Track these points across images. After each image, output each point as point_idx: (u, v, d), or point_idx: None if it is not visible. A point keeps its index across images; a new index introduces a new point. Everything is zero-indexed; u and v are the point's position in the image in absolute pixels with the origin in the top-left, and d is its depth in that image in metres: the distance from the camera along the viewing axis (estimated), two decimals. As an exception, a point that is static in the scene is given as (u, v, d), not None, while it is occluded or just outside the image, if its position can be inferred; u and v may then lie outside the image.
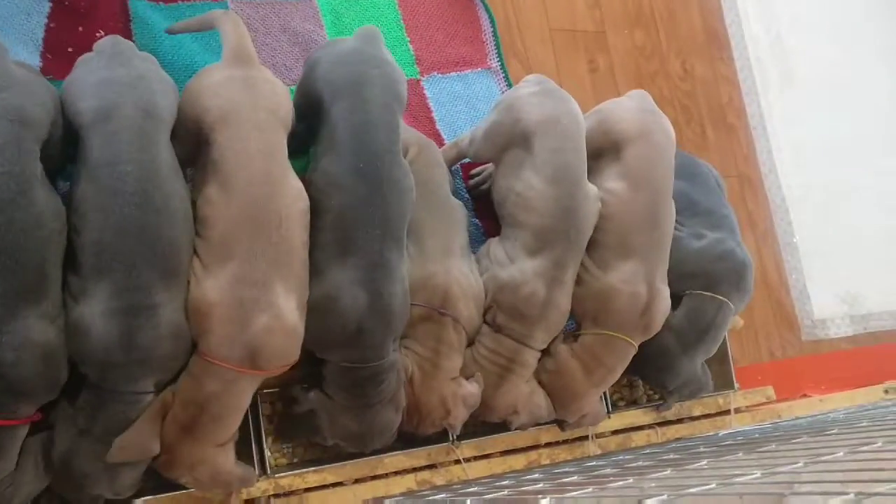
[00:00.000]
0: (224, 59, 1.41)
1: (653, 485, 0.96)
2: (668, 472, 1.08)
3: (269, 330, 1.29)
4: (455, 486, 1.55)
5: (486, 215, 1.84)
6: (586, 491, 1.01)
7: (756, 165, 2.38)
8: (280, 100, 1.41)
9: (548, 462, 1.74)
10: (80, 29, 1.59)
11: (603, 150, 1.71)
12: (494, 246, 1.66)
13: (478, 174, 1.87)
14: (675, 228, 1.75)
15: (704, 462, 1.11)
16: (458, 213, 1.67)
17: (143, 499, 1.38)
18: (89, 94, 1.28)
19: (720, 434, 1.85)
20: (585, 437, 1.81)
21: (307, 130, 1.51)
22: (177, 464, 1.33)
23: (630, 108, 1.76)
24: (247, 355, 1.28)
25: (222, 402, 1.30)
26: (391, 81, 1.47)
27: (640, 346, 1.70)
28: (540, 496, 1.02)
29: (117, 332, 1.21)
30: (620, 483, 1.01)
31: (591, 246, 1.66)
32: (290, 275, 1.33)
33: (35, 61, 1.54)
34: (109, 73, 1.30)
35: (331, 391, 1.45)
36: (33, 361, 1.17)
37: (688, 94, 2.31)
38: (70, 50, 1.57)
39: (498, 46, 2.03)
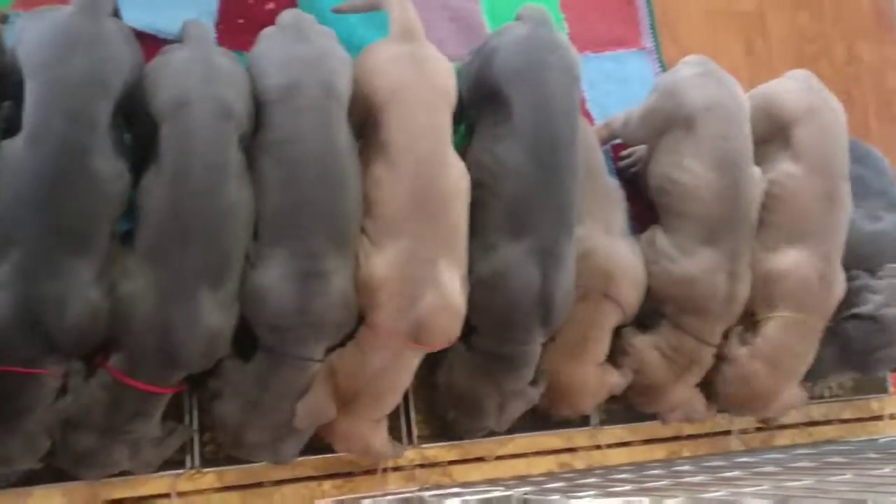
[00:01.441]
0: (391, 36, 1.42)
1: (843, 489, 0.92)
2: (847, 475, 1.04)
3: (436, 307, 1.31)
4: (599, 471, 1.54)
5: (634, 198, 1.79)
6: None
7: (922, 159, 2.23)
8: (447, 78, 1.41)
9: (689, 454, 1.70)
10: (251, 1, 1.63)
11: (769, 135, 1.65)
12: (658, 236, 1.61)
13: (628, 155, 1.83)
14: None
15: (887, 469, 1.05)
16: (617, 194, 1.64)
17: (307, 456, 1.42)
18: (274, 71, 1.32)
19: (880, 440, 1.75)
20: (727, 432, 1.76)
21: (465, 113, 1.51)
22: (333, 434, 1.39)
23: (795, 88, 1.68)
24: (413, 330, 1.31)
25: (387, 377, 1.34)
26: (569, 65, 1.45)
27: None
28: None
29: (293, 295, 1.25)
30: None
31: (758, 228, 1.60)
32: (454, 253, 1.35)
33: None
34: (293, 50, 1.33)
35: (472, 350, 1.45)
36: (200, 343, 1.23)
37: (852, 79, 2.18)
38: (241, 21, 1.62)
39: (653, 26, 1.98)
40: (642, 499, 0.99)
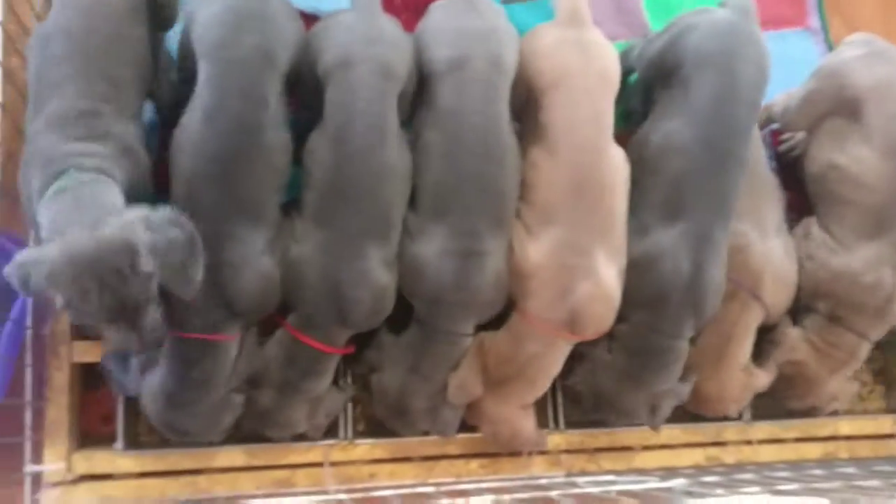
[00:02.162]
0: (558, 19, 1.40)
1: None
2: None
3: (591, 297, 1.29)
4: (750, 467, 1.48)
5: (791, 185, 1.71)
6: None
7: None
8: (611, 64, 1.38)
9: (846, 456, 1.61)
10: (409, -19, 1.65)
11: None
12: (814, 228, 1.54)
13: (789, 139, 1.74)
14: None
15: None
16: (774, 189, 1.56)
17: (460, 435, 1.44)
18: (444, 43, 1.32)
19: None
20: (891, 436, 1.65)
21: (626, 93, 1.48)
22: (480, 417, 1.40)
23: None
24: (567, 320, 1.30)
25: (538, 364, 1.34)
26: (763, 61, 1.39)
27: None
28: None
29: (451, 272, 1.27)
30: None
31: None
32: (612, 242, 1.33)
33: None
34: (464, 24, 1.33)
35: (615, 350, 1.42)
36: (369, 300, 1.27)
37: None
38: (397, 1, 1.64)
39: (820, 3, 1.87)
40: (821, 499, 0.94)
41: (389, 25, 1.33)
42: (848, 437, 1.63)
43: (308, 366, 1.30)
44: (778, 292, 1.48)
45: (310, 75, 1.30)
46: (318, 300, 1.25)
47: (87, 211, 1.01)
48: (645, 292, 1.36)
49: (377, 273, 1.26)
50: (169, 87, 1.37)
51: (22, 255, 1.00)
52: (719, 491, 1.09)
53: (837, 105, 1.52)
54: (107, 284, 0.98)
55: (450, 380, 1.34)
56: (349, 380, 1.45)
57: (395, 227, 1.30)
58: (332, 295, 1.24)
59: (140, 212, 1.03)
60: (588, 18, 1.40)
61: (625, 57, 1.54)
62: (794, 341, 1.52)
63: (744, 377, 1.49)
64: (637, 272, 1.35)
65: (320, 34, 1.32)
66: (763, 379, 1.50)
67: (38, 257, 0.98)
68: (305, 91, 1.32)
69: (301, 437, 1.41)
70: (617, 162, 1.34)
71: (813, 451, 1.60)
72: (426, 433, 1.43)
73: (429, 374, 1.33)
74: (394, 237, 1.29)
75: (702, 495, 1.09)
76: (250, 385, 1.32)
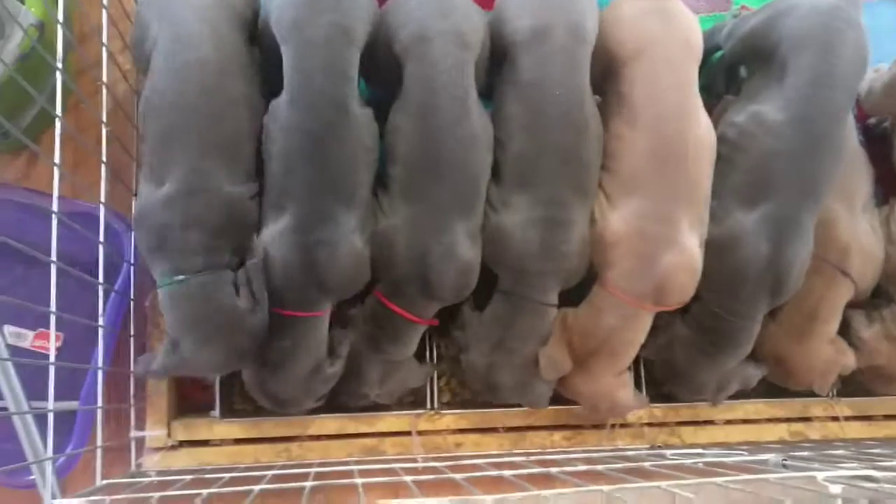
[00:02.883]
0: None
1: None
2: None
3: (675, 267, 1.28)
4: (838, 443, 1.47)
5: (878, 160, 1.67)
6: None
7: None
8: (694, 32, 1.36)
9: (937, 434, 1.58)
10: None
11: None
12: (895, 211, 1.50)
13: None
14: None
15: None
16: (863, 164, 1.52)
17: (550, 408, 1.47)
18: (525, 14, 1.31)
19: None
20: None
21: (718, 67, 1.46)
22: (578, 396, 1.42)
23: None
24: (650, 291, 1.30)
25: (620, 336, 1.34)
26: (863, 46, 1.36)
27: None
28: None
29: (536, 240, 1.28)
30: None
31: None
32: (695, 211, 1.32)
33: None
34: None
35: (689, 325, 1.42)
36: (454, 273, 1.28)
37: None
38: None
39: (912, -32, 1.81)
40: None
41: None
42: (940, 416, 1.61)
43: (392, 332, 1.33)
44: (865, 267, 1.45)
45: (387, 53, 1.31)
46: (405, 271, 1.27)
47: (209, 322, 1.19)
48: (722, 274, 1.34)
49: (463, 247, 1.27)
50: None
51: (158, 364, 1.23)
52: (815, 465, 1.08)
53: None
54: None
55: (539, 356, 1.35)
56: (434, 358, 1.48)
57: (482, 197, 1.31)
58: (419, 268, 1.26)
59: (242, 304, 1.20)
60: None
61: (712, 35, 1.52)
62: (874, 345, 1.48)
63: (831, 351, 1.47)
64: (715, 253, 1.34)
65: (394, 12, 1.32)
66: (851, 359, 1.48)
67: (173, 368, 1.23)
68: (380, 69, 1.33)
69: (384, 408, 1.45)
70: (704, 129, 1.33)
71: (903, 428, 1.59)
72: (518, 404, 1.45)
73: (516, 347, 1.34)
74: (480, 208, 1.31)
75: (797, 469, 1.08)
76: (340, 325, 1.36)
